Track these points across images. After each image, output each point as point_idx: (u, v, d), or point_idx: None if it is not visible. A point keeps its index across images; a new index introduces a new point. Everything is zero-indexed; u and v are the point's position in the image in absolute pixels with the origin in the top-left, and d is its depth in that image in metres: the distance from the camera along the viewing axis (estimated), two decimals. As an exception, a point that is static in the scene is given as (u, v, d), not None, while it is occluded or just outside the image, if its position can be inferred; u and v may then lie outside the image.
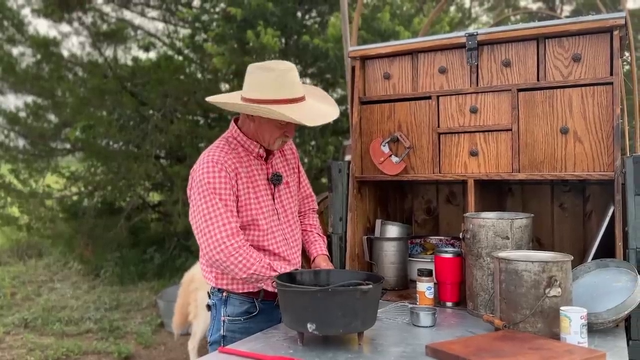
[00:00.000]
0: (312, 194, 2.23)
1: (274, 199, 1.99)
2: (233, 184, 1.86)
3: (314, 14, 7.09)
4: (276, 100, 1.81)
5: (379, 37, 5.93)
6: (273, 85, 1.82)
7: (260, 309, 1.93)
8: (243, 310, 1.93)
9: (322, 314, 1.55)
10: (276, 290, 1.75)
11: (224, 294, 1.94)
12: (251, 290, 1.92)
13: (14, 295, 6.17)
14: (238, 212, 1.87)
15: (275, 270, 1.83)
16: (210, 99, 1.95)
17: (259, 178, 1.95)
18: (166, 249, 7.00)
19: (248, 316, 1.92)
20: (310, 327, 1.56)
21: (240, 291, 1.92)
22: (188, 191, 1.93)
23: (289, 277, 1.76)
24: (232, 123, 2.00)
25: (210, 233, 1.79)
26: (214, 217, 1.80)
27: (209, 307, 1.99)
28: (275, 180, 1.99)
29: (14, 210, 7.34)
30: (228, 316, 1.93)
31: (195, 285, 3.96)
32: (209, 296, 2.01)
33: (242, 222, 1.88)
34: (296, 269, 1.93)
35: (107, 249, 6.88)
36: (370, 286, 1.58)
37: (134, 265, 6.84)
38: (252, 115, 1.91)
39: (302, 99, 1.87)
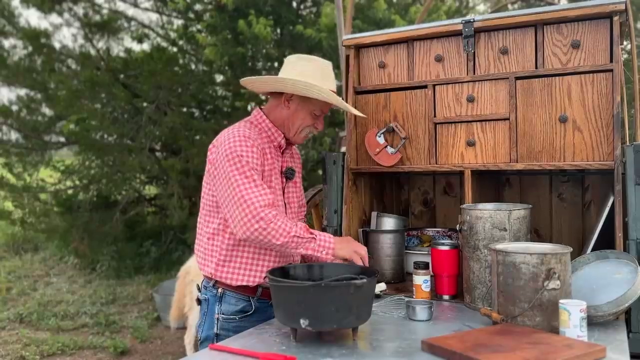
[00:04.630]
0: (305, 204, 2.21)
1: (283, 193, 1.97)
2: (261, 163, 1.84)
3: (309, 3, 7.01)
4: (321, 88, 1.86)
5: (375, 26, 5.87)
6: (318, 74, 1.89)
7: (256, 307, 1.89)
8: (238, 309, 1.89)
9: (315, 310, 1.51)
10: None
11: (220, 290, 1.89)
12: (248, 285, 1.87)
13: (10, 290, 6.14)
14: None
15: (311, 233, 1.79)
16: (251, 78, 1.96)
17: (275, 168, 1.93)
18: (162, 242, 6.97)
19: (243, 315, 1.88)
20: (303, 322, 1.52)
21: (238, 283, 1.87)
22: (208, 167, 1.87)
23: (281, 272, 1.72)
24: (258, 110, 1.98)
25: (248, 202, 1.71)
26: (250, 187, 1.74)
27: (199, 301, 1.95)
28: (288, 174, 1.98)
29: (8, 205, 7.29)
30: (222, 314, 1.89)
31: (191, 277, 3.94)
32: (199, 289, 1.97)
33: None
34: (290, 263, 1.89)
35: (102, 242, 6.85)
36: (365, 280, 1.54)
37: (130, 259, 6.81)
38: (288, 101, 1.91)
39: (335, 92, 1.92)
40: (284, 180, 1.98)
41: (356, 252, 1.85)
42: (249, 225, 1.71)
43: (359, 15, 5.94)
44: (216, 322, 1.89)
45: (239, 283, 1.88)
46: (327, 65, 1.96)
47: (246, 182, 1.76)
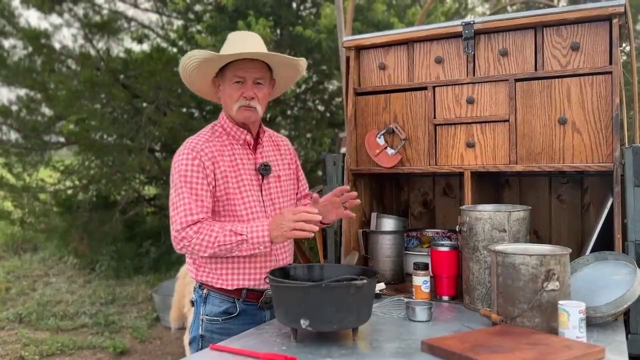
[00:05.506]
0: (308, 194, 2.16)
1: (261, 191, 1.90)
2: (208, 173, 1.79)
3: (308, 4, 7.02)
4: (227, 55, 1.81)
5: (374, 28, 5.88)
6: (229, 45, 1.85)
7: (241, 310, 1.85)
8: (222, 310, 1.84)
9: (316, 310, 1.52)
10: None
11: (204, 291, 1.87)
12: (228, 288, 1.83)
13: (9, 290, 6.13)
14: (217, 201, 1.81)
15: (240, 234, 1.72)
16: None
17: (245, 167, 1.88)
18: (162, 242, 6.96)
19: (227, 317, 1.84)
20: (304, 323, 1.53)
21: (219, 286, 1.83)
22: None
23: (282, 273, 1.72)
24: (222, 112, 1.95)
25: (174, 222, 1.75)
26: (180, 206, 1.76)
27: (192, 302, 1.94)
28: (262, 170, 1.90)
29: (8, 205, 7.29)
30: (206, 315, 1.85)
31: (189, 278, 3.94)
32: (194, 291, 1.96)
33: (222, 213, 1.82)
34: (290, 264, 1.89)
35: (102, 243, 6.84)
36: (365, 281, 1.55)
37: (129, 259, 6.80)
38: (218, 86, 1.90)
39: (250, 54, 1.81)
40: (261, 177, 1.90)
41: (295, 228, 1.68)
42: (176, 244, 1.76)
43: (358, 16, 5.94)
44: (201, 323, 1.86)
45: (218, 285, 1.84)
46: (244, 35, 1.89)
47: (178, 199, 1.76)
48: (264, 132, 1.99)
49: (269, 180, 1.93)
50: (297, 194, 2.09)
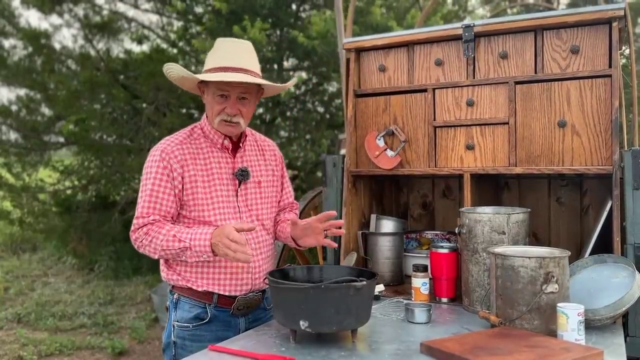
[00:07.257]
0: (295, 202, 2.11)
1: (237, 196, 1.84)
2: (175, 176, 1.76)
3: (308, 5, 7.02)
4: (210, 68, 1.78)
5: (372, 31, 5.88)
6: (215, 55, 1.80)
7: (212, 315, 1.79)
8: (193, 316, 1.79)
9: (315, 311, 1.52)
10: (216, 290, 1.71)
11: (175, 295, 1.83)
12: (198, 290, 1.78)
13: (8, 290, 6.13)
14: (185, 205, 1.77)
15: (182, 241, 1.67)
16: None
17: (221, 172, 1.82)
18: (161, 243, 6.95)
19: (198, 323, 1.79)
20: (303, 324, 1.53)
21: (189, 285, 1.79)
22: None
23: (281, 274, 1.72)
24: (205, 113, 1.91)
25: (133, 221, 1.77)
26: (138, 208, 1.76)
27: (166, 308, 1.88)
28: (240, 175, 1.84)
29: (7, 205, 7.29)
30: (177, 321, 1.81)
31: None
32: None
33: (191, 218, 1.78)
34: (290, 265, 1.89)
35: (101, 243, 6.84)
36: (364, 283, 1.55)
37: (128, 259, 6.80)
38: (203, 92, 1.85)
39: (240, 69, 1.76)
40: (238, 182, 1.84)
41: (227, 254, 1.63)
42: (133, 244, 1.78)
43: (357, 19, 5.94)
44: (172, 329, 1.81)
45: (188, 285, 1.79)
46: (237, 43, 1.82)
47: (139, 200, 1.78)
48: (247, 136, 1.92)
49: (247, 185, 1.86)
50: (279, 202, 2.02)
